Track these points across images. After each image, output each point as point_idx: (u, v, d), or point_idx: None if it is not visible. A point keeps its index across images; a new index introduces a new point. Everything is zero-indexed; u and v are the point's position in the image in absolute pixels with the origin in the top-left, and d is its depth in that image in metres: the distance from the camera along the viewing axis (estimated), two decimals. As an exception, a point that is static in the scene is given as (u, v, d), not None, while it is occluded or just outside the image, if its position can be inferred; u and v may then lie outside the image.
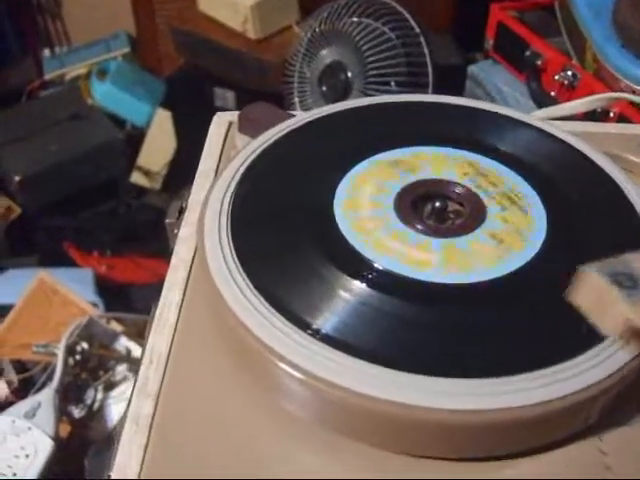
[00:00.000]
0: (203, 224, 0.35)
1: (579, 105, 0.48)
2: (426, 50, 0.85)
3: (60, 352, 0.83)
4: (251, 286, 0.32)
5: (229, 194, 0.37)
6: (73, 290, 1.03)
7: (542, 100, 0.84)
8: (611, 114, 0.76)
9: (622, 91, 0.80)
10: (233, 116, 0.49)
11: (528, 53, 0.89)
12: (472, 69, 0.98)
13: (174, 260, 0.39)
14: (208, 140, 0.49)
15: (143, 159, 1.78)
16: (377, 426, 0.29)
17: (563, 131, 0.42)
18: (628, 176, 0.39)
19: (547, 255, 0.34)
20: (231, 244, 0.34)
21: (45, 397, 0.78)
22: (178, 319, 0.35)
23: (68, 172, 1.64)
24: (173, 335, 0.35)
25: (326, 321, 0.31)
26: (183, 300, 0.36)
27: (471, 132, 0.41)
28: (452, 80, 1.00)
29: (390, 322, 0.31)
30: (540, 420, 0.28)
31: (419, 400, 0.28)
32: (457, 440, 0.29)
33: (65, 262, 1.44)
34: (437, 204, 0.37)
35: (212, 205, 0.37)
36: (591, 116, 0.75)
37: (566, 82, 0.84)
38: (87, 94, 1.84)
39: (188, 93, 1.70)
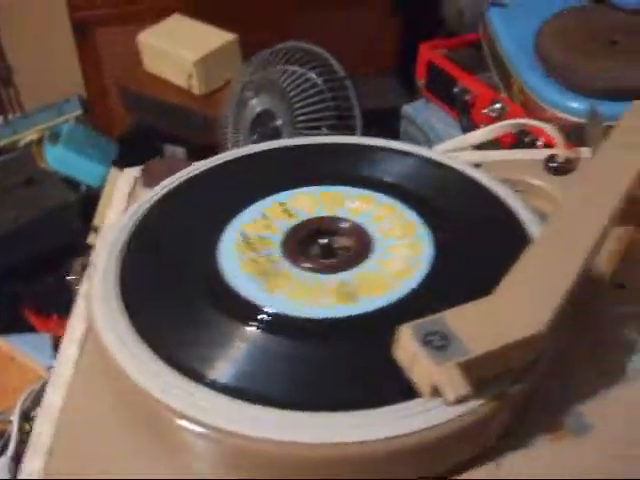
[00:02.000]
0: (92, 284, 0.35)
1: (485, 133, 0.48)
2: (352, 93, 0.86)
3: (15, 419, 0.81)
4: (141, 343, 0.32)
5: (117, 251, 0.37)
6: (30, 356, 1.02)
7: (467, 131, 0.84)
8: (539, 143, 0.77)
9: (549, 120, 0.81)
10: (139, 172, 0.49)
11: (457, 89, 0.89)
12: (406, 109, 0.99)
13: (73, 315, 0.38)
14: (114, 196, 0.48)
15: (99, 219, 1.76)
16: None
17: (454, 159, 0.42)
18: (520, 196, 0.39)
19: (432, 283, 0.34)
20: (121, 304, 0.34)
21: (0, 466, 0.75)
22: (73, 375, 0.35)
23: (25, 237, 1.63)
24: (67, 390, 0.34)
25: (218, 370, 0.30)
26: (80, 356, 0.36)
27: (359, 169, 0.41)
28: (389, 121, 1.01)
29: (278, 362, 0.31)
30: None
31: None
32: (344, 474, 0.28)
33: (24, 327, 1.42)
34: (323, 241, 0.36)
35: (100, 262, 0.37)
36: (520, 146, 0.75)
37: (494, 115, 0.84)
38: (40, 158, 1.83)
39: (139, 151, 1.70)
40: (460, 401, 0.27)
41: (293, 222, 0.38)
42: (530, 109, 0.84)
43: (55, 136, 1.82)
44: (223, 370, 0.30)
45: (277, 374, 0.30)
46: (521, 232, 0.35)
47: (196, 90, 1.50)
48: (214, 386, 0.29)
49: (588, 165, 0.38)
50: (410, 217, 0.37)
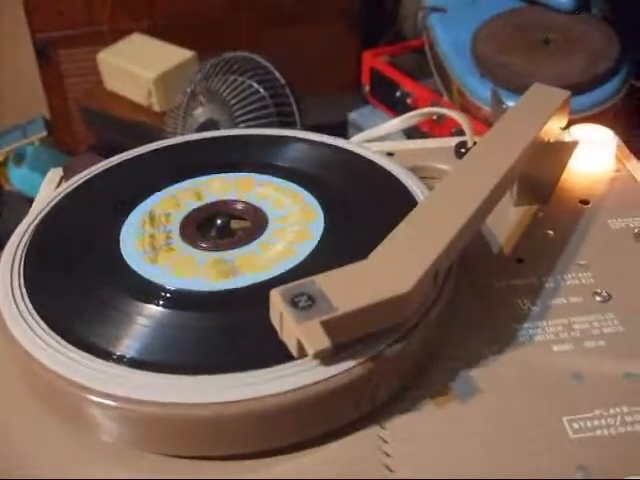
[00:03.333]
0: None
1: (395, 124, 0.48)
2: (292, 99, 0.87)
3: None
4: (44, 326, 0.32)
5: (25, 238, 0.38)
6: None
7: (413, 136, 0.85)
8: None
9: (485, 118, 0.82)
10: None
11: (398, 94, 0.91)
12: (352, 116, 1.00)
13: None
14: (38, 194, 0.49)
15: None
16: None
17: (353, 144, 0.43)
18: (410, 172, 0.40)
19: (318, 258, 0.35)
20: (22, 286, 0.35)
21: None
22: None
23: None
24: None
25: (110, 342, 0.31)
26: None
27: (272, 157, 0.42)
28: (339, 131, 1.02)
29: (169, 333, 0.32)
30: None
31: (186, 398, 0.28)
32: (227, 434, 0.29)
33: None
34: (218, 222, 0.37)
35: (7, 251, 0.37)
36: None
37: (435, 117, 0.85)
38: (5, 180, 1.84)
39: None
40: (323, 356, 0.27)
41: (199, 204, 0.39)
42: (468, 109, 0.85)
43: (20, 158, 1.83)
44: (115, 342, 0.31)
45: (162, 343, 0.31)
46: (411, 204, 0.36)
47: (156, 107, 1.51)
48: (115, 359, 0.30)
49: (479, 142, 0.39)
50: (309, 200, 0.38)
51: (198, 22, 1.73)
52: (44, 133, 1.98)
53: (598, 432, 0.30)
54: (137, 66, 1.53)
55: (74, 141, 1.89)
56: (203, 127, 0.92)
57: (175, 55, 1.53)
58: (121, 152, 0.45)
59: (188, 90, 0.93)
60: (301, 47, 1.64)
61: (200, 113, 0.91)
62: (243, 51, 1.06)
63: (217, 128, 0.91)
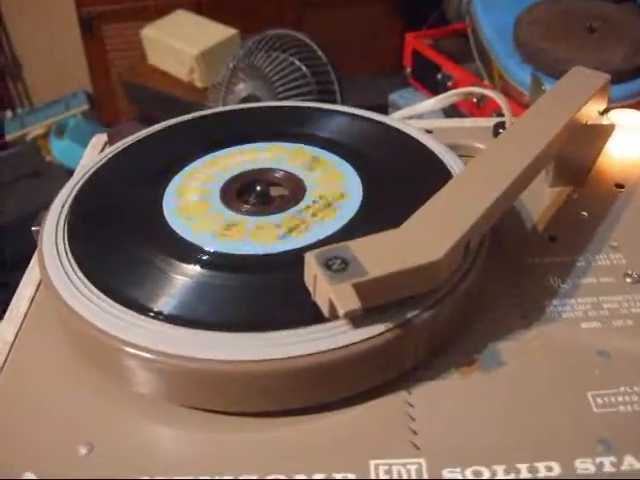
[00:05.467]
0: (43, 227, 0.37)
1: (435, 102, 0.49)
2: (334, 77, 0.87)
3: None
4: (87, 282, 0.33)
5: (70, 199, 0.39)
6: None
7: (452, 115, 0.86)
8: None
9: (526, 104, 0.82)
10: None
11: (439, 76, 0.91)
12: (392, 97, 1.00)
13: (33, 261, 0.41)
14: (83, 159, 0.50)
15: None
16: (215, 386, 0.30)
17: (393, 119, 0.44)
18: (448, 149, 0.41)
19: (357, 223, 0.36)
20: (67, 244, 0.36)
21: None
22: (28, 312, 0.37)
23: (28, 228, 1.65)
24: (21, 325, 0.36)
25: (153, 300, 0.32)
26: (35, 295, 0.38)
27: (302, 128, 0.43)
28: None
29: (217, 293, 0.33)
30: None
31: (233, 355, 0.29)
32: (257, 392, 0.30)
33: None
34: (258, 188, 0.38)
35: (53, 209, 0.38)
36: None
37: (475, 100, 0.85)
38: (46, 152, 1.87)
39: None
40: (353, 318, 0.28)
41: (232, 172, 0.40)
42: (509, 94, 0.85)
43: (61, 130, 1.85)
44: (158, 300, 0.32)
45: (199, 301, 0.32)
46: (448, 178, 0.37)
47: (198, 83, 1.53)
48: (153, 315, 0.31)
49: (516, 121, 0.40)
50: (342, 167, 0.39)
51: (242, 1, 1.74)
52: (86, 106, 2.00)
53: (621, 408, 0.31)
54: (180, 42, 1.55)
55: (115, 115, 1.91)
56: (244, 102, 0.93)
57: (218, 32, 1.54)
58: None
59: (230, 65, 0.94)
60: (343, 28, 1.64)
61: (242, 88, 0.92)
62: (286, 29, 1.06)
63: (258, 102, 0.92)
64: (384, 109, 1.06)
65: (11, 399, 0.32)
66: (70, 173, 1.33)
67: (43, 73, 2.05)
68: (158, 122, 0.47)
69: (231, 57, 0.95)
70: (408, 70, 0.99)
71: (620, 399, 0.31)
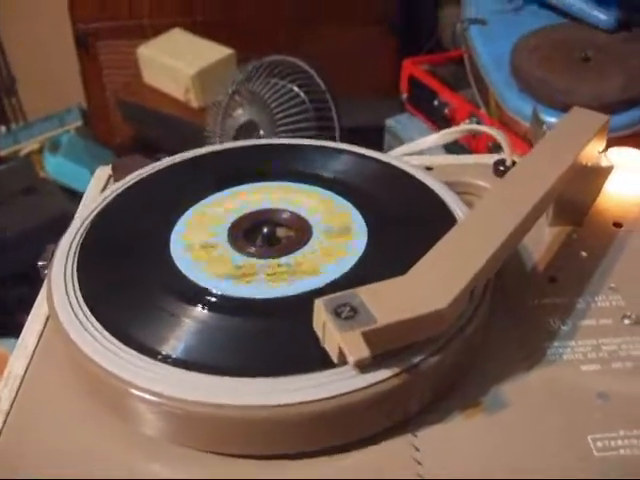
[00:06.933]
0: (52, 266, 0.38)
1: (434, 139, 0.50)
2: (332, 105, 0.88)
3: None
4: (96, 324, 0.34)
5: (77, 238, 0.40)
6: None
7: (451, 148, 0.86)
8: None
9: (524, 134, 0.83)
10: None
11: (436, 103, 0.92)
12: (389, 122, 1.01)
13: (40, 296, 0.41)
14: (87, 191, 0.51)
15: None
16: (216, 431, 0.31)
17: (398, 159, 0.44)
18: (451, 190, 0.42)
19: (362, 268, 0.36)
20: (75, 286, 0.36)
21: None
22: (37, 347, 0.37)
23: (25, 244, 1.64)
24: (30, 360, 0.36)
25: (162, 344, 0.33)
26: (43, 330, 0.38)
27: (304, 167, 0.44)
28: (376, 137, 1.03)
29: (218, 336, 0.33)
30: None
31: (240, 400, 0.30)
32: (270, 435, 0.30)
33: (17, 333, 1.43)
34: (265, 230, 0.38)
35: (61, 247, 0.39)
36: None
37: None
38: (40, 168, 1.86)
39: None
40: (362, 365, 0.29)
41: (239, 213, 0.40)
42: (506, 123, 0.86)
43: (55, 146, 1.85)
44: (168, 344, 0.32)
45: (217, 347, 0.33)
46: (450, 220, 0.38)
47: (194, 103, 1.53)
48: (161, 359, 0.32)
49: (519, 163, 0.41)
50: (347, 209, 0.40)
51: (237, 20, 1.75)
52: (80, 122, 2.01)
53: (622, 452, 0.31)
54: (176, 61, 1.55)
55: (110, 132, 1.91)
56: (243, 128, 0.94)
57: (214, 52, 1.55)
58: (159, 145, 0.47)
59: (229, 90, 0.95)
60: (339, 49, 1.65)
61: (240, 114, 0.93)
62: (283, 53, 1.07)
63: (257, 130, 0.93)
64: (380, 132, 1.06)
65: (23, 430, 0.33)
66: (64, 189, 1.32)
67: (37, 89, 2.06)
68: (156, 149, 0.47)
69: (230, 81, 0.96)
70: (405, 96, 1.00)
71: (620, 443, 0.32)
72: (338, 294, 0.30)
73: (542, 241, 0.44)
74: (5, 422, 0.33)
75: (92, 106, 1.97)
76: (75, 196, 1.78)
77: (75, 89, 1.97)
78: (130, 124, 1.72)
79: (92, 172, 1.50)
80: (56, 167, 1.82)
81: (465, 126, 0.49)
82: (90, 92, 1.94)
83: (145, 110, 1.61)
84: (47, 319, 0.39)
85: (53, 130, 1.99)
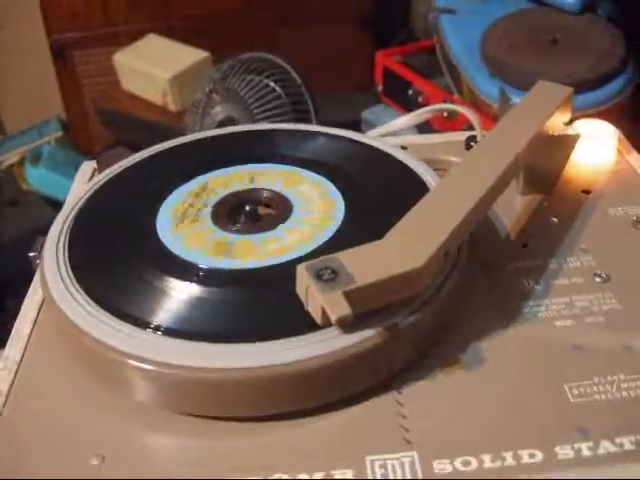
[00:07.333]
0: (44, 251, 0.40)
1: (408, 119, 0.51)
2: (309, 99, 0.90)
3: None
4: (87, 298, 0.36)
5: (68, 222, 0.42)
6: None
7: (425, 132, 0.88)
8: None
9: (495, 116, 0.85)
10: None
11: (410, 92, 0.93)
12: (365, 114, 1.03)
13: (33, 284, 0.42)
14: (73, 185, 0.52)
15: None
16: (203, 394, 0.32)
17: (370, 138, 0.46)
18: (422, 162, 0.44)
19: (341, 237, 0.38)
20: (68, 266, 0.38)
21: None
22: (31, 333, 0.39)
23: (11, 254, 1.65)
24: (26, 346, 0.38)
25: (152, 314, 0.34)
26: (37, 317, 0.40)
27: (285, 149, 0.46)
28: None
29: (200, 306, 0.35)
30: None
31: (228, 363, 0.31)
32: (259, 396, 0.32)
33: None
34: (247, 208, 0.40)
35: (51, 235, 0.41)
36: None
37: (446, 114, 0.88)
38: (22, 180, 1.87)
39: (119, 169, 1.73)
40: (345, 324, 0.30)
41: (222, 194, 0.42)
42: (478, 106, 0.88)
43: (36, 157, 1.86)
44: (156, 314, 0.34)
45: (203, 315, 0.34)
46: (424, 191, 0.39)
47: (172, 107, 1.54)
48: (150, 327, 0.33)
49: (487, 135, 0.42)
50: (327, 186, 0.42)
51: (213, 23, 1.76)
52: (60, 133, 2.01)
53: (596, 397, 0.33)
54: (153, 66, 1.56)
55: (90, 141, 1.92)
56: (221, 125, 0.95)
57: (190, 55, 1.56)
58: (138, 150, 0.49)
59: (207, 89, 0.96)
60: (315, 46, 1.66)
61: (218, 111, 0.95)
62: (259, 51, 1.09)
63: (235, 125, 0.95)
64: (357, 125, 1.08)
65: (23, 414, 0.34)
66: (48, 201, 1.32)
67: (15, 101, 2.06)
68: (136, 150, 0.49)
69: (207, 80, 0.98)
70: (380, 87, 1.02)
71: (595, 389, 0.34)
72: (319, 259, 0.32)
73: (514, 209, 0.46)
74: (5, 404, 0.35)
75: (71, 116, 1.98)
76: (58, 206, 1.79)
77: (53, 100, 1.98)
78: (110, 131, 1.73)
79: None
80: (39, 179, 1.82)
81: (436, 105, 0.51)
82: (69, 102, 1.94)
83: (124, 116, 1.63)
84: (40, 307, 0.40)
85: (33, 142, 2.00)
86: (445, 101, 0.91)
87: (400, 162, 0.43)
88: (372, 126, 1.01)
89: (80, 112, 1.91)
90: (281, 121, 0.91)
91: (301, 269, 0.31)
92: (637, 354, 0.35)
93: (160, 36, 1.66)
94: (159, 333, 0.33)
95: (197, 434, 0.33)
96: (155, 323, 0.33)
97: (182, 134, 1.21)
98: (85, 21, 1.81)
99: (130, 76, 1.63)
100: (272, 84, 0.91)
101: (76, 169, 1.53)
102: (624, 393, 0.33)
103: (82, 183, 0.52)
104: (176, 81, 1.51)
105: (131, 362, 0.32)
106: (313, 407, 0.33)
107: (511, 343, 0.36)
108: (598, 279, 0.40)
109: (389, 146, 0.45)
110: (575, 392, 0.33)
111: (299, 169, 0.44)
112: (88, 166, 0.54)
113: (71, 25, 1.81)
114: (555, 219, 0.45)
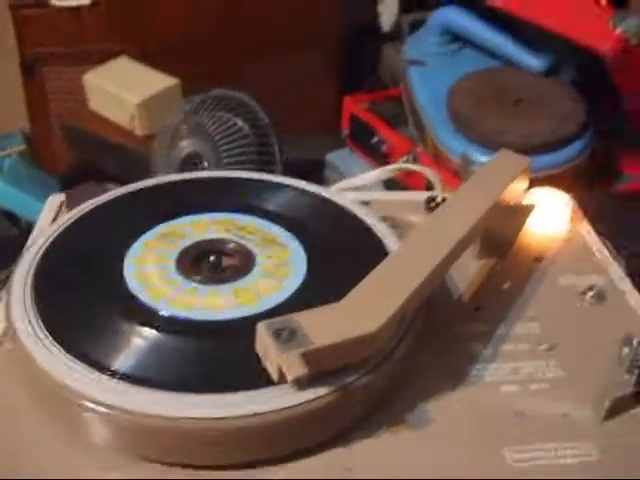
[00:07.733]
0: (11, 290, 0.40)
1: (372, 176, 0.53)
2: (275, 138, 0.92)
3: None
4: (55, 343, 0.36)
5: (34, 266, 0.42)
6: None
7: (389, 183, 0.90)
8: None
9: (456, 171, 0.87)
10: (64, 197, 0.54)
11: (375, 140, 0.95)
12: (330, 157, 1.05)
13: None
14: (39, 220, 0.53)
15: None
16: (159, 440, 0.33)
17: (336, 194, 0.48)
18: (378, 219, 0.46)
19: (301, 295, 0.40)
20: (35, 310, 0.39)
21: None
22: None
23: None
24: None
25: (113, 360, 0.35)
26: None
27: (253, 200, 0.47)
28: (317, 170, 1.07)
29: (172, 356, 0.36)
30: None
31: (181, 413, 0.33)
32: (207, 446, 0.33)
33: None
34: (211, 259, 0.41)
35: (20, 269, 0.41)
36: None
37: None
38: (-20, 192, 1.85)
39: (81, 189, 1.72)
40: (300, 383, 0.32)
41: (187, 242, 0.43)
42: (440, 160, 0.90)
43: (-4, 169, 1.84)
44: (118, 360, 0.35)
45: (163, 364, 0.35)
46: (383, 251, 0.41)
47: (138, 131, 1.55)
48: (111, 373, 0.34)
49: (448, 199, 0.44)
50: (288, 241, 0.44)
51: (186, 48, 1.77)
52: (23, 146, 1.99)
53: (535, 462, 0.35)
54: (122, 89, 1.57)
55: (52, 158, 1.90)
56: (187, 158, 0.97)
57: (159, 81, 1.57)
58: (102, 172, 0.49)
59: (176, 121, 0.97)
60: (284, 83, 1.68)
61: (185, 145, 0.96)
62: (229, 85, 1.10)
63: (200, 161, 0.96)
64: (321, 165, 1.10)
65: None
66: (6, 214, 1.30)
67: (-21, 112, 2.04)
68: (101, 175, 0.50)
69: (178, 111, 0.99)
70: (345, 132, 1.04)
71: (533, 455, 0.35)
72: (278, 318, 0.33)
73: (469, 273, 0.47)
74: None
75: (36, 131, 1.96)
76: (18, 220, 1.77)
77: (18, 113, 1.97)
78: (74, 150, 1.73)
79: (34, 198, 1.49)
80: (-2, 192, 1.81)
81: (401, 165, 0.53)
82: (34, 117, 1.93)
83: (89, 136, 1.62)
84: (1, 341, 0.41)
85: (-6, 154, 1.98)
86: (410, 153, 0.93)
87: (361, 220, 0.45)
88: (336, 169, 1.03)
89: (45, 127, 1.90)
90: (246, 161, 0.93)
91: (261, 327, 0.32)
92: (574, 423, 0.37)
93: (131, 59, 1.67)
94: (116, 378, 0.34)
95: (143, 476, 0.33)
96: (113, 368, 0.34)
97: (147, 160, 1.21)
98: (59, 37, 1.81)
99: (98, 96, 1.63)
100: (240, 123, 0.92)
101: (36, 185, 1.52)
102: (561, 460, 0.35)
103: (49, 217, 0.52)
104: (144, 106, 1.52)
105: (86, 404, 0.33)
106: (265, 459, 0.34)
107: (456, 405, 0.38)
108: (543, 347, 0.42)
109: (351, 202, 0.47)
110: (515, 457, 0.35)
111: (263, 221, 0.45)
112: (55, 199, 0.54)
113: (44, 40, 1.80)
114: (506, 285, 0.46)
